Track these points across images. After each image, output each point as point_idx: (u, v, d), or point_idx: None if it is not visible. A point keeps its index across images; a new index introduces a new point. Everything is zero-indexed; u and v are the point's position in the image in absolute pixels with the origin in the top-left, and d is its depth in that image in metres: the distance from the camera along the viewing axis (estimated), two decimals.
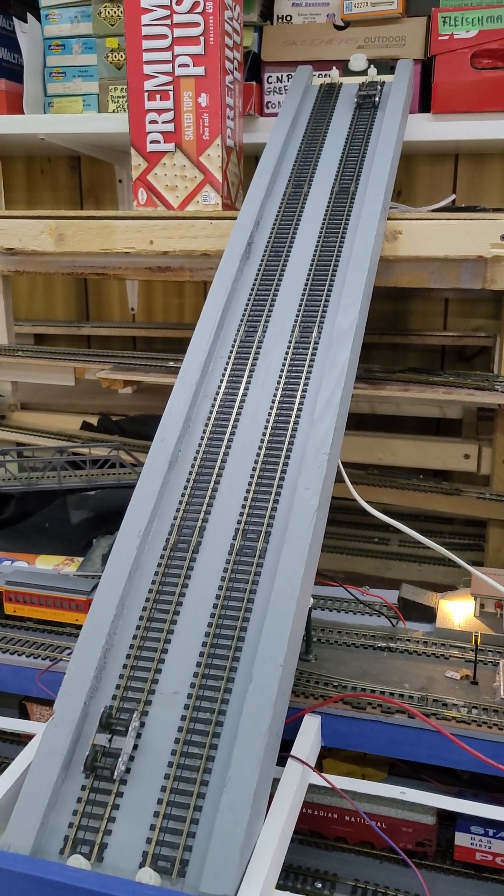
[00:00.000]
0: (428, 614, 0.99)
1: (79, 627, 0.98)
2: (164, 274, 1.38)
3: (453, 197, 1.34)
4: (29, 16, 1.55)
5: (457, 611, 0.99)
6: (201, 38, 1.23)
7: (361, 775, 0.93)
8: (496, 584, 0.89)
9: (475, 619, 0.97)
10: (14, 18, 1.55)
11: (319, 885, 0.82)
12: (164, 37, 1.25)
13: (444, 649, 0.92)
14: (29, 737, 0.96)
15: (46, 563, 1.22)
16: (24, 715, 1.02)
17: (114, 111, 1.53)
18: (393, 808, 0.84)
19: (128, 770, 0.69)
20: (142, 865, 0.64)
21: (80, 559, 1.22)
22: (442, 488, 1.34)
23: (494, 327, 1.68)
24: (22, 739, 1.05)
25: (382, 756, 0.96)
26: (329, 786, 0.76)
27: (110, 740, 0.69)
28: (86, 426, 1.59)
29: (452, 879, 0.83)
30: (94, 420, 1.61)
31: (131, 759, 0.70)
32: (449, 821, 0.86)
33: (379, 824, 0.83)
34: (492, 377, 1.25)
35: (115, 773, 0.68)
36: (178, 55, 1.25)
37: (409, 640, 0.94)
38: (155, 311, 2.03)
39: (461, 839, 0.83)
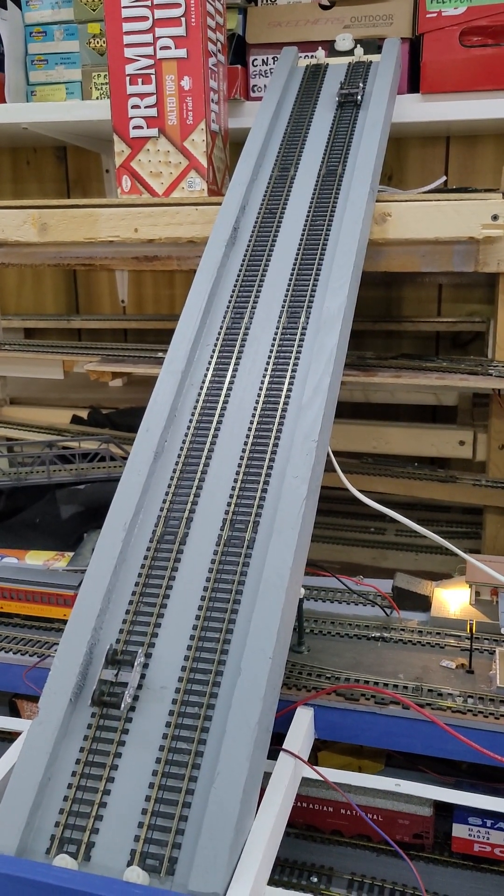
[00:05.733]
0: (423, 603, 0.97)
1: (66, 623, 0.97)
2: (152, 263, 1.36)
3: (444, 179, 1.32)
4: (9, 2, 1.52)
5: (452, 599, 0.97)
6: (182, 20, 1.21)
7: (358, 767, 0.91)
8: (491, 571, 0.87)
9: (471, 608, 0.95)
10: None
11: (315, 880, 0.81)
12: (144, 18, 1.22)
13: (440, 638, 0.91)
14: (18, 734, 0.95)
15: (37, 559, 1.20)
16: (15, 712, 1.00)
17: (97, 98, 1.50)
18: (389, 799, 0.82)
19: (115, 767, 0.67)
20: (130, 864, 0.62)
21: (71, 554, 1.20)
22: (437, 476, 1.32)
23: (489, 312, 1.65)
24: (12, 737, 1.03)
25: (378, 748, 0.95)
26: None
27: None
28: (76, 420, 1.57)
29: (451, 871, 0.81)
30: (84, 414, 1.59)
31: (118, 755, 0.68)
32: (446, 812, 0.84)
33: (375, 817, 0.82)
34: (485, 362, 1.23)
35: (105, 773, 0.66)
36: (160, 37, 1.22)
37: (403, 630, 0.92)
38: (146, 303, 2.01)
39: (459, 830, 0.81)
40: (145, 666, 0.72)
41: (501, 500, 1.31)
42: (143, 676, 0.71)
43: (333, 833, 0.85)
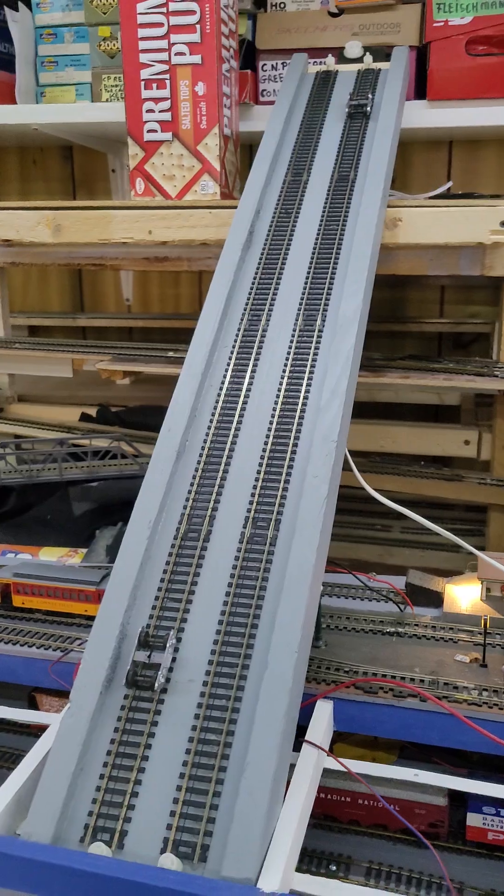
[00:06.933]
0: (435, 599, 0.99)
1: (88, 618, 0.99)
2: (162, 264, 1.38)
3: (450, 184, 1.34)
4: (20, 4, 1.54)
5: (463, 595, 1.00)
6: (197, 27, 1.23)
7: (372, 758, 0.93)
8: (502, 567, 0.90)
9: (482, 603, 0.98)
10: (5, 7, 1.54)
11: (334, 868, 0.83)
12: (159, 25, 1.24)
13: (453, 633, 0.93)
14: (39, 728, 0.97)
15: (50, 556, 1.22)
16: (34, 706, 1.02)
17: (107, 100, 1.52)
18: (405, 790, 0.85)
19: (145, 758, 0.70)
20: (163, 851, 0.65)
21: (84, 550, 1.22)
22: (443, 474, 1.35)
23: (491, 314, 1.68)
24: (32, 730, 1.06)
25: (392, 740, 0.98)
26: (343, 770, 0.76)
27: None
28: (85, 417, 1.59)
29: (465, 859, 0.84)
30: (92, 411, 1.61)
31: (148, 746, 0.70)
32: (459, 802, 0.87)
33: (392, 807, 0.84)
34: (491, 363, 1.26)
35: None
36: (175, 43, 1.24)
37: (417, 625, 0.95)
38: (151, 302, 2.03)
39: (473, 819, 0.84)
40: (173, 660, 0.74)
41: None
42: (170, 670, 0.74)
43: (351, 823, 0.88)
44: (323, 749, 0.75)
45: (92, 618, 0.97)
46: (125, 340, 1.90)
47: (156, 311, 2.03)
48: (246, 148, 1.50)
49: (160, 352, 1.41)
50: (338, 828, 0.88)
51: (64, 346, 1.53)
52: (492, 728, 0.77)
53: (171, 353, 1.39)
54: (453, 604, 0.98)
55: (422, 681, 0.84)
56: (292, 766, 0.74)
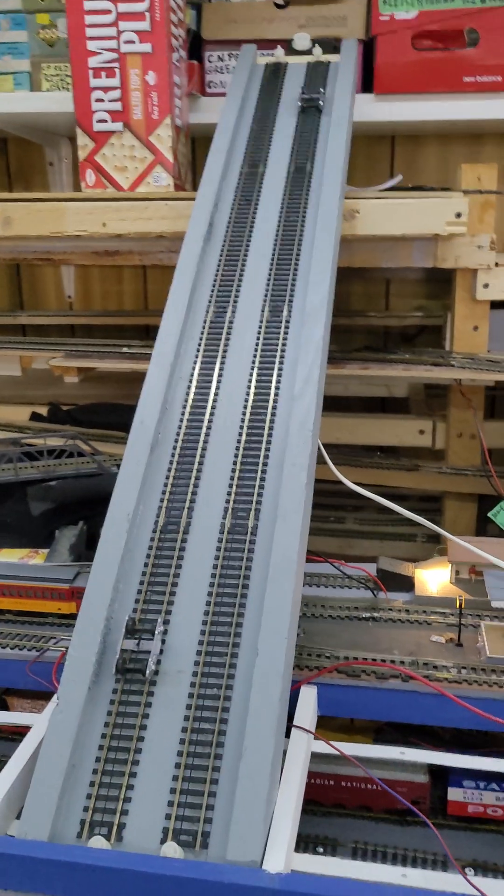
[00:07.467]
0: (406, 584, 1.02)
1: (61, 616, 0.97)
2: (112, 258, 1.36)
3: (400, 177, 1.36)
4: None
5: (433, 579, 1.02)
6: (147, 14, 1.22)
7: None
8: (478, 551, 0.93)
9: (451, 586, 1.00)
10: None
11: (321, 851, 0.84)
12: (107, 11, 1.22)
13: (426, 616, 0.96)
14: (13, 730, 0.95)
15: (10, 557, 1.19)
16: (4, 708, 1.00)
17: (48, 90, 1.49)
18: (387, 770, 0.86)
19: (139, 750, 0.69)
20: (163, 841, 0.64)
21: (45, 551, 1.20)
22: (402, 465, 1.37)
23: (436, 307, 1.72)
24: (5, 732, 1.03)
25: (368, 724, 1.00)
26: (330, 753, 0.77)
27: None
28: (35, 417, 1.56)
29: (446, 833, 0.86)
30: (42, 410, 1.57)
31: (141, 739, 0.70)
32: (437, 779, 0.89)
33: (375, 787, 0.86)
34: (445, 354, 1.29)
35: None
36: (123, 31, 1.23)
37: (391, 610, 0.97)
38: (93, 299, 2.00)
39: (454, 794, 0.86)
40: (160, 652, 0.74)
41: (460, 486, 1.37)
42: (160, 654, 0.73)
43: (335, 806, 0.89)
44: (313, 732, 0.76)
45: (65, 616, 0.97)
46: (67, 337, 1.87)
47: (98, 308, 2.00)
48: (193, 140, 1.49)
49: (114, 347, 1.39)
50: (322, 811, 0.89)
51: (11, 343, 1.50)
52: (473, 704, 0.80)
53: (125, 349, 1.38)
54: (424, 587, 1.00)
55: (402, 662, 0.85)
56: (283, 752, 0.74)
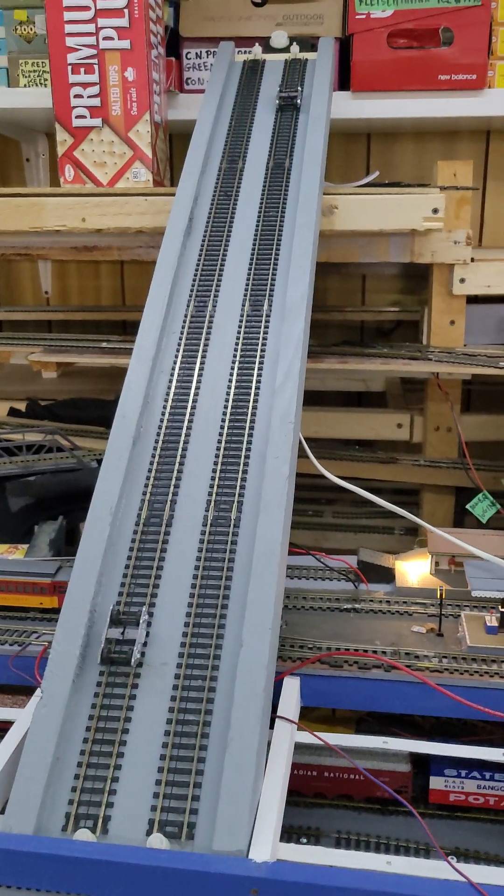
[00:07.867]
0: (387, 575, 1.02)
1: (43, 611, 0.97)
2: (91, 253, 1.36)
3: (377, 173, 1.37)
4: None
5: (413, 570, 1.03)
6: (126, 11, 1.21)
7: None
8: (459, 542, 0.94)
9: (431, 577, 1.01)
10: None
11: (304, 841, 0.85)
12: (86, 8, 1.22)
13: (407, 606, 0.96)
14: None
15: None
16: None
17: (25, 86, 1.48)
18: (369, 760, 0.87)
19: (123, 742, 0.69)
20: (149, 833, 0.64)
21: (24, 546, 1.19)
22: (379, 458, 1.38)
23: (412, 302, 1.73)
24: None
25: (349, 715, 1.00)
26: (312, 743, 0.78)
27: None
28: (13, 412, 1.55)
29: (429, 822, 0.87)
30: (21, 406, 1.56)
31: (125, 731, 0.70)
32: (418, 768, 0.90)
33: (357, 776, 0.86)
34: (422, 348, 1.30)
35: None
36: (102, 27, 1.22)
37: (372, 601, 0.98)
38: (70, 294, 1.99)
39: (436, 783, 0.87)
40: (144, 644, 0.74)
41: (437, 479, 1.38)
42: (144, 644, 0.73)
43: (317, 796, 0.90)
44: (296, 723, 0.76)
45: (47, 610, 0.96)
46: (45, 333, 1.86)
47: (75, 304, 1.99)
48: (171, 137, 1.49)
49: (93, 342, 1.39)
50: (303, 802, 0.90)
51: None
52: (455, 692, 0.81)
53: (104, 344, 1.38)
54: (404, 579, 1.01)
55: (384, 652, 0.86)
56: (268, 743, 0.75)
